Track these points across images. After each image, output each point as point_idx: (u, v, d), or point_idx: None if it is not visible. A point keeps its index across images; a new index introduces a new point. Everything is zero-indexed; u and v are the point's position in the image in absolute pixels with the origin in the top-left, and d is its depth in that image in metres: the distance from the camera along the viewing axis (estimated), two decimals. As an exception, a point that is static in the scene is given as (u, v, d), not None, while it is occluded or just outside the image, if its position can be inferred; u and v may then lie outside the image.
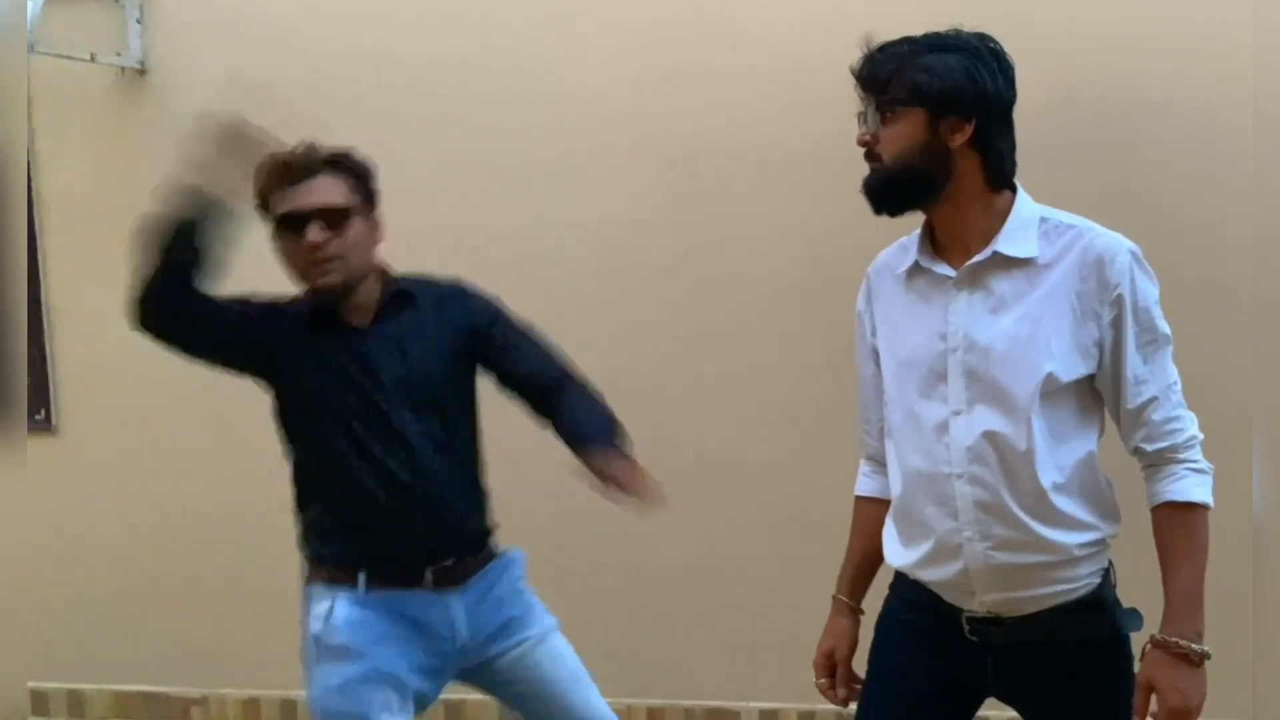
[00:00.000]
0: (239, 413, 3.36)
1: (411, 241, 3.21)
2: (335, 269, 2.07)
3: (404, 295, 2.18)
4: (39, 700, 3.55)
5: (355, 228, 2.09)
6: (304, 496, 2.26)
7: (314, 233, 2.03)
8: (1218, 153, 2.76)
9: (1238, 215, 2.72)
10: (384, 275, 2.20)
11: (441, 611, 2.17)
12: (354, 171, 2.13)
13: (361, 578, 2.15)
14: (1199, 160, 2.78)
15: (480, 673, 2.28)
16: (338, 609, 2.15)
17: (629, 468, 2.02)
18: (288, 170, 2.06)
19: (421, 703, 2.21)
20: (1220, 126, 2.75)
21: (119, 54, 3.26)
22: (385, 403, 2.11)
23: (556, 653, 2.29)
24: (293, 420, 2.21)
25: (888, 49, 1.74)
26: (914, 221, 1.84)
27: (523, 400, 2.22)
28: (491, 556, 2.27)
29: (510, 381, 2.22)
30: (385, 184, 3.21)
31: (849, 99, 1.81)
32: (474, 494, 2.26)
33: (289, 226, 2.06)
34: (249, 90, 2.58)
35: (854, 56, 1.78)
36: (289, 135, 2.08)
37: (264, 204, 2.09)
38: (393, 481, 2.12)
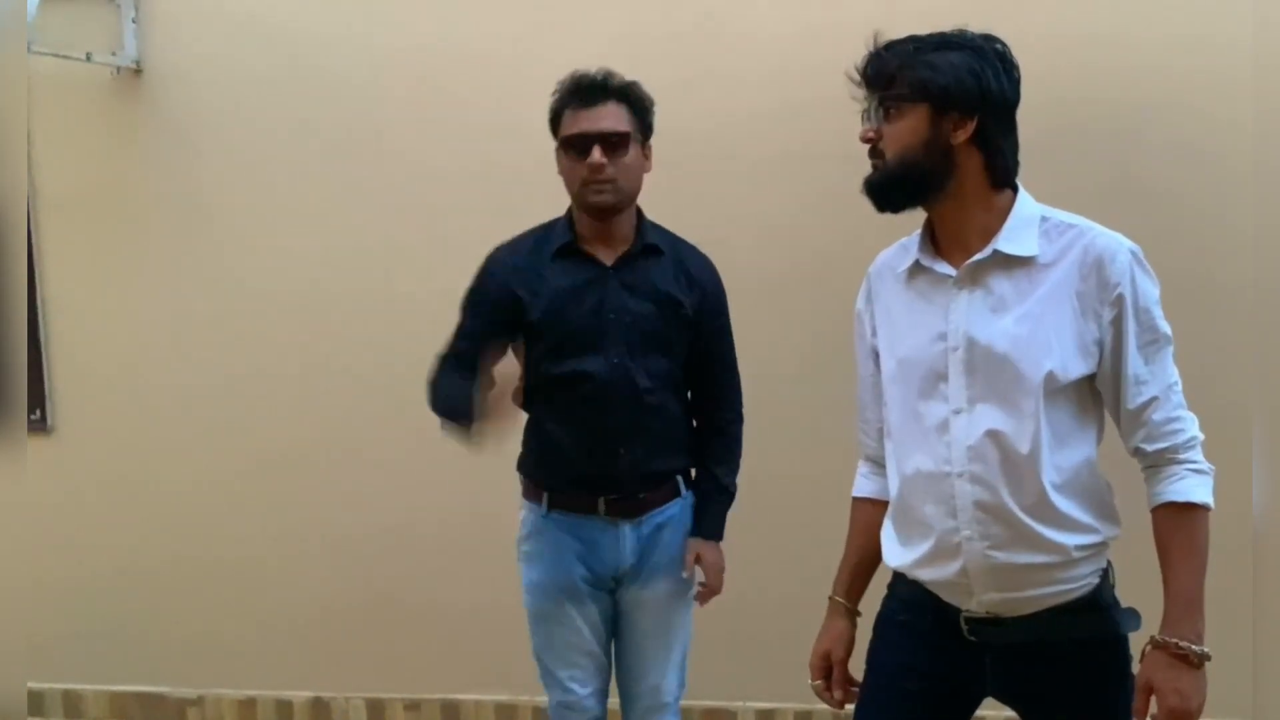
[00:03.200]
0: (234, 413, 3.38)
1: (410, 241, 3.23)
2: (608, 190, 2.28)
3: (652, 247, 2.37)
4: (35, 700, 3.55)
5: (632, 154, 2.30)
6: (530, 411, 2.41)
7: (597, 154, 2.25)
8: (1218, 152, 2.76)
9: (1238, 215, 2.72)
10: (639, 214, 2.41)
11: (613, 538, 2.36)
12: (638, 103, 2.34)
13: (545, 498, 2.37)
14: (1199, 160, 2.78)
15: (619, 592, 2.43)
16: (525, 523, 2.42)
17: (710, 575, 2.43)
18: (580, 92, 2.30)
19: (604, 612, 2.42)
20: (1220, 126, 2.75)
21: (115, 53, 3.25)
22: (600, 338, 2.29)
23: (679, 613, 2.43)
24: (530, 340, 2.35)
25: (893, 47, 1.74)
26: (910, 222, 1.83)
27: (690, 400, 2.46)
28: (675, 494, 2.41)
29: (690, 380, 2.43)
30: (381, 184, 3.23)
31: (842, 100, 1.80)
32: (658, 435, 2.35)
33: (574, 146, 2.29)
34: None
35: (848, 58, 1.78)
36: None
37: (554, 121, 2.35)
38: (576, 415, 2.31)
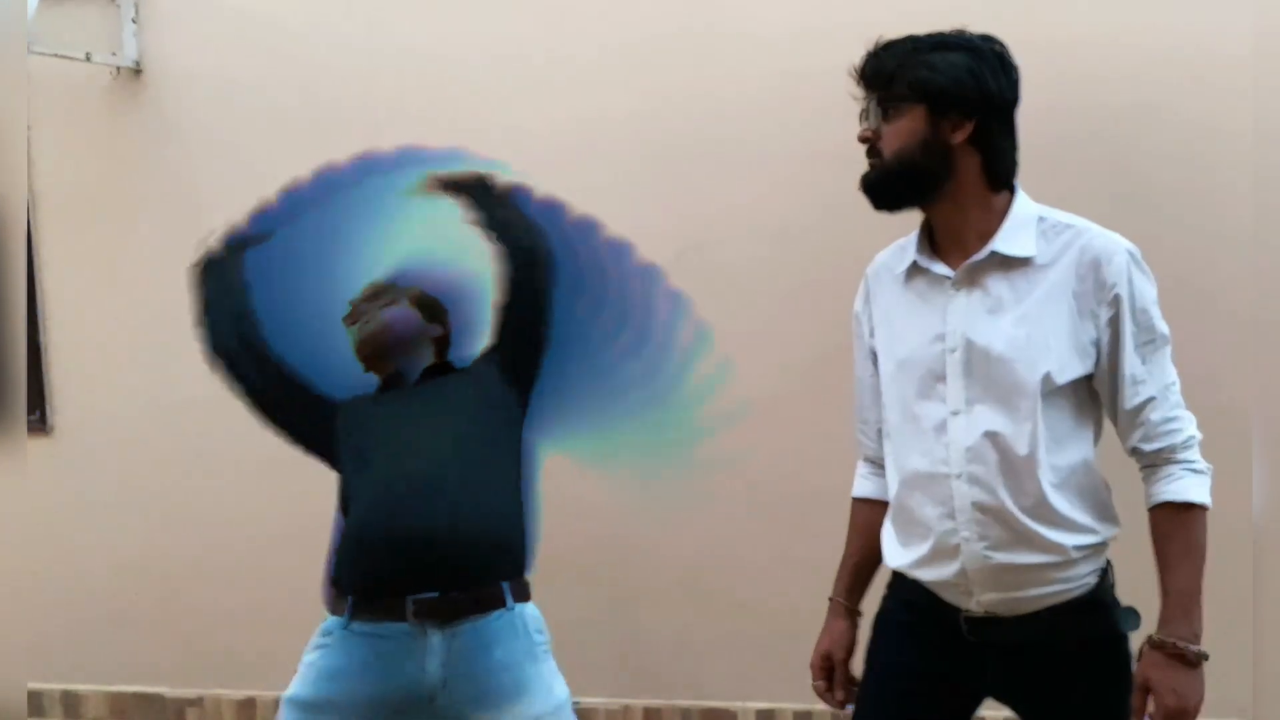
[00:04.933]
0: (234, 414, 3.37)
1: (410, 245, 3.23)
2: (376, 367, 2.37)
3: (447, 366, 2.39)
4: (34, 701, 3.55)
5: (411, 343, 2.36)
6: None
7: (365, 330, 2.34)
8: (1217, 153, 2.76)
9: (1237, 216, 2.72)
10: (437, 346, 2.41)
11: (414, 654, 2.07)
12: (431, 308, 2.42)
13: (349, 604, 2.12)
14: (1198, 160, 2.78)
15: None
16: (320, 659, 2.14)
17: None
18: (374, 292, 2.39)
19: None
20: (1220, 127, 2.75)
21: (114, 53, 3.26)
22: (412, 441, 2.22)
23: None
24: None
25: (891, 46, 1.75)
26: (908, 222, 1.84)
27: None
28: (499, 605, 2.12)
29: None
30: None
31: (843, 103, 1.81)
32: (484, 530, 2.14)
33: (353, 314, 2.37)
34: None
35: (848, 61, 1.78)
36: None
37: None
38: (387, 510, 2.13)
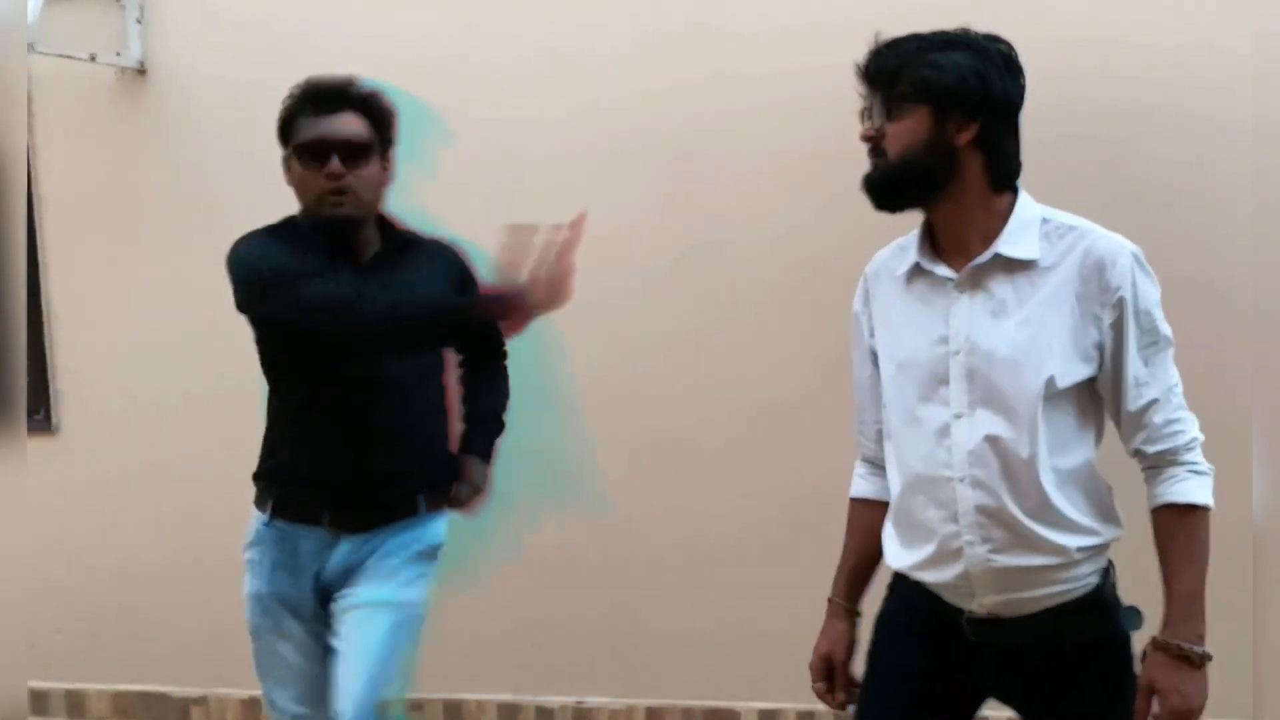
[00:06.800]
0: (237, 412, 3.38)
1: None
2: (348, 202, 2.15)
3: (404, 246, 2.27)
4: (38, 700, 3.55)
5: (372, 165, 2.17)
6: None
7: (335, 164, 2.11)
8: (1218, 154, 2.76)
9: (1238, 216, 2.72)
10: (383, 221, 2.28)
11: (321, 556, 2.23)
12: (379, 114, 2.20)
13: (269, 507, 2.26)
14: (1199, 161, 2.78)
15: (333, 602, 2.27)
16: (250, 529, 2.29)
17: (468, 496, 2.36)
18: (318, 98, 2.15)
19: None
20: (1220, 128, 2.75)
21: (119, 54, 3.26)
22: (350, 341, 2.14)
23: (363, 627, 2.19)
24: (269, 341, 2.26)
25: (896, 45, 1.73)
26: (910, 222, 1.83)
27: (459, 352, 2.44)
28: (411, 513, 2.27)
29: (458, 340, 2.40)
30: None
31: (846, 102, 1.80)
32: (410, 447, 2.25)
33: (309, 154, 2.14)
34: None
35: (851, 60, 1.78)
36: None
37: (286, 127, 2.18)
38: (319, 421, 2.20)
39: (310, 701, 2.26)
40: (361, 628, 2.18)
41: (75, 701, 3.56)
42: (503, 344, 2.48)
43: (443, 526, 2.35)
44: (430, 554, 2.31)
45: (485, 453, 2.42)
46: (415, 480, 2.28)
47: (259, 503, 2.29)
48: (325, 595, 2.26)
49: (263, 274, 2.12)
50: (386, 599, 2.21)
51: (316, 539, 2.23)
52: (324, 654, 2.23)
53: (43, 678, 3.54)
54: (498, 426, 2.45)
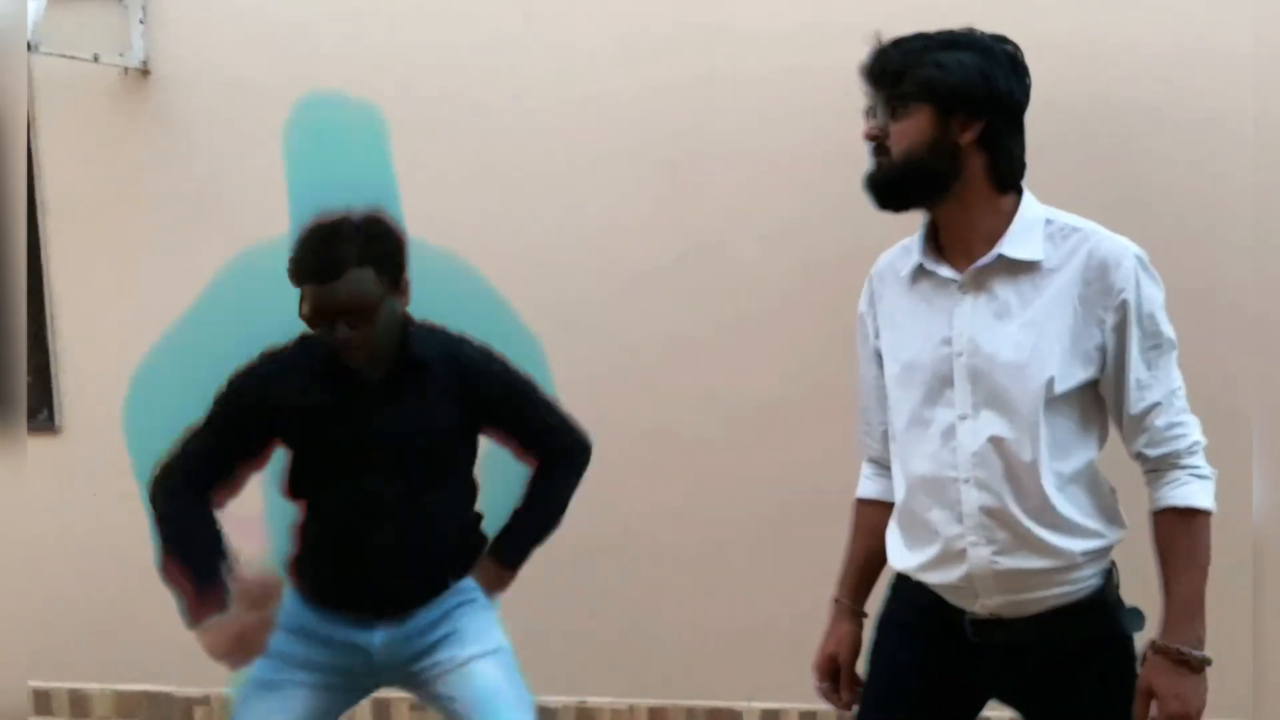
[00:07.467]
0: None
1: (415, 242, 3.24)
2: (360, 356, 2.09)
3: (418, 363, 2.17)
4: (41, 700, 3.56)
5: (383, 314, 2.07)
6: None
7: (343, 331, 2.04)
8: (1218, 155, 2.76)
9: (1238, 218, 2.72)
10: (403, 332, 2.17)
11: (361, 633, 2.22)
12: (381, 255, 2.08)
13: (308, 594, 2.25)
14: (1199, 163, 2.78)
15: (407, 683, 2.30)
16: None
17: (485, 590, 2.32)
18: (317, 271, 2.03)
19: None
20: (1221, 129, 2.75)
21: (122, 54, 3.26)
22: (370, 461, 2.15)
23: (477, 678, 2.21)
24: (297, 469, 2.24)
25: (901, 44, 1.73)
26: (913, 222, 1.83)
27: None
28: (443, 590, 2.27)
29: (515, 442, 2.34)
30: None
31: (846, 102, 1.80)
32: (433, 557, 2.25)
33: (317, 317, 2.06)
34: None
35: (851, 59, 1.78)
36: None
37: (294, 278, 2.07)
38: (341, 534, 2.19)
39: None
40: (470, 680, 2.21)
41: (78, 701, 3.57)
42: (573, 449, 2.39)
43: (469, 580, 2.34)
44: (472, 602, 2.30)
45: (507, 561, 2.35)
46: (443, 577, 2.28)
47: (296, 588, 2.27)
48: (356, 670, 2.26)
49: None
50: (476, 653, 2.22)
51: (349, 621, 2.23)
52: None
53: (46, 677, 3.55)
54: (530, 535, 2.37)
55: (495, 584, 2.35)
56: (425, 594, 2.24)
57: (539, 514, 2.37)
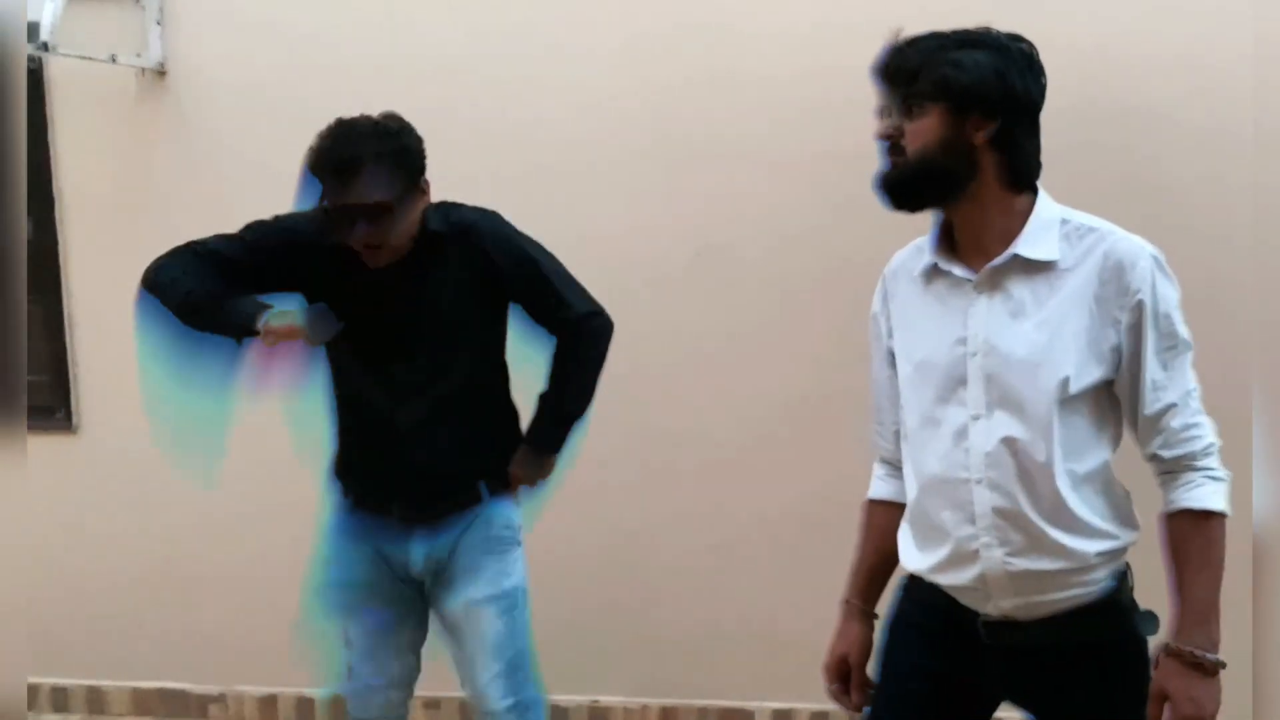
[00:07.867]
0: (258, 412, 3.40)
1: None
2: (381, 255, 2.15)
3: (433, 239, 2.23)
4: (59, 697, 3.58)
5: (400, 213, 2.13)
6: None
7: (361, 230, 2.10)
8: (1218, 156, 2.75)
9: (1238, 221, 2.71)
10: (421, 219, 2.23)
11: (402, 546, 2.33)
12: (402, 156, 2.15)
13: (350, 500, 2.39)
14: (1200, 163, 2.77)
15: (437, 607, 2.41)
16: (328, 522, 2.42)
17: (526, 480, 2.40)
18: (337, 166, 2.09)
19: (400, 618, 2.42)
20: (1220, 133, 2.74)
21: (139, 55, 3.28)
22: (391, 343, 2.22)
23: (486, 621, 2.33)
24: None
25: (916, 43, 1.72)
26: (920, 223, 1.82)
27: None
28: (475, 501, 2.34)
29: (535, 320, 2.37)
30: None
31: (858, 103, 1.80)
32: (461, 439, 2.30)
33: (336, 216, 2.12)
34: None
35: (863, 60, 1.77)
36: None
37: (314, 169, 2.14)
38: (371, 419, 2.29)
39: (387, 674, 2.41)
40: (472, 629, 2.33)
41: (95, 698, 3.59)
42: (593, 324, 2.37)
43: (509, 509, 2.40)
44: (504, 539, 2.37)
45: (542, 445, 2.39)
46: (473, 468, 2.34)
47: (341, 495, 2.41)
48: (411, 581, 2.38)
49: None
50: (484, 596, 2.33)
51: (391, 530, 2.33)
52: (401, 630, 2.41)
53: (64, 674, 3.57)
54: (558, 415, 2.37)
55: (534, 472, 2.39)
56: (456, 491, 2.32)
57: (562, 393, 2.37)
